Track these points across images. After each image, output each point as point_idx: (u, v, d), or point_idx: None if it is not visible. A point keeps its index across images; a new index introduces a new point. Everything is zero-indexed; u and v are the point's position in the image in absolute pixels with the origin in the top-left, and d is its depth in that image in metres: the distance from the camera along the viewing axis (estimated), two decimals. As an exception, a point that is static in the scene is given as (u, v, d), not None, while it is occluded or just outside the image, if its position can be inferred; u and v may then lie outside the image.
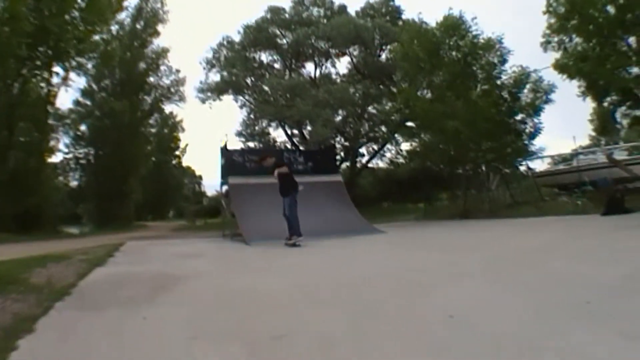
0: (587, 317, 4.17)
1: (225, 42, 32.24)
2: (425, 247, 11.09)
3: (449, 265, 7.79)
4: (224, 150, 18.96)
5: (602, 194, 18.05)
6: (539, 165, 27.38)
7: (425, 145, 26.01)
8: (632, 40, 21.52)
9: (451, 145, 22.81)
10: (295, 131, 31.91)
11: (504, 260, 8.11)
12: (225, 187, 19.06)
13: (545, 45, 23.31)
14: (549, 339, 3.67)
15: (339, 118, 29.39)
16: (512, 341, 3.70)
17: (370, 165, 35.10)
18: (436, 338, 3.92)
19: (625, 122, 26.74)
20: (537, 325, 4.03)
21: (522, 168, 26.22)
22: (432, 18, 45.73)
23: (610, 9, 20.88)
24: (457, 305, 4.88)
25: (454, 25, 22.86)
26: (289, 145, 31.97)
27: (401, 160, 34.44)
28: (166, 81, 45.83)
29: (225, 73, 31.33)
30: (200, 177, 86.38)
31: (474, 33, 22.99)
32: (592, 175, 21.04)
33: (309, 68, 33.13)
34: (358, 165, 33.82)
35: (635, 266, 6.33)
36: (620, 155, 23.07)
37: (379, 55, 31.17)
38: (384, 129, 29.69)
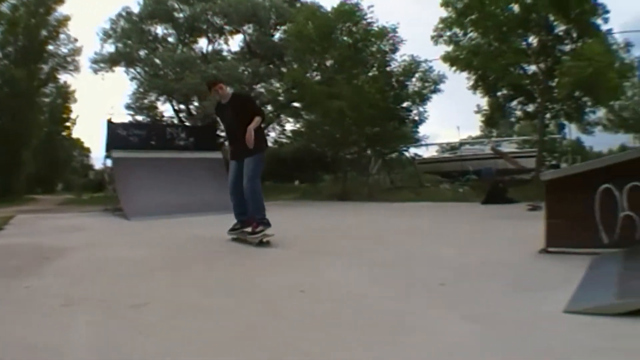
0: (437, 298, 4.42)
1: (124, 13, 31.22)
2: (295, 227, 11.02)
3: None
4: (109, 123, 18.34)
5: (485, 183, 18.41)
6: (428, 153, 27.92)
7: (310, 126, 26.32)
8: (532, 39, 22.06)
9: (336, 128, 22.99)
10: (183, 106, 31.38)
11: (370, 241, 8.56)
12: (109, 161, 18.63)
13: (437, 38, 23.60)
14: (402, 318, 3.88)
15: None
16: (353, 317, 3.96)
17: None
18: (286, 311, 4.16)
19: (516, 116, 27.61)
20: (390, 303, 4.31)
21: (408, 154, 26.68)
22: (330, 3, 45.76)
23: (514, 8, 21.32)
24: (310, 281, 5.21)
25: (348, 12, 23.08)
26: (175, 121, 31.37)
27: (285, 140, 34.32)
28: (64, 50, 44.10)
29: (120, 44, 30.44)
30: (88, 150, 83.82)
31: (369, 20, 23.29)
32: (476, 165, 21.45)
33: (202, 44, 32.62)
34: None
35: (493, 251, 6.81)
36: (508, 148, 23.63)
37: (272, 35, 30.95)
38: (270, 107, 29.42)
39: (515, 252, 6.44)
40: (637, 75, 25.24)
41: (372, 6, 23.36)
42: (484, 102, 24.47)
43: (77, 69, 43.68)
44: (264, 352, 3.18)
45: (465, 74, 22.85)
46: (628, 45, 23.67)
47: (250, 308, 4.24)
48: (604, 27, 21.49)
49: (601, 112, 29.21)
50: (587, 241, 5.96)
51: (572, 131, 28.92)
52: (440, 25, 22.88)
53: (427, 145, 28.84)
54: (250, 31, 30.88)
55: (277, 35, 30.58)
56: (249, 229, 8.02)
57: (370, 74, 23.43)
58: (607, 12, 21.27)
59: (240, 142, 7.98)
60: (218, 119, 9.56)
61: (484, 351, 3.15)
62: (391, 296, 4.59)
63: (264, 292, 4.83)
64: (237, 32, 31.36)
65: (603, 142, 37.99)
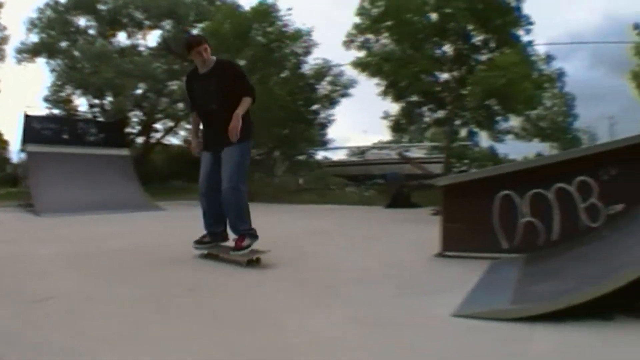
0: (324, 299, 4.43)
1: (51, 2, 30.10)
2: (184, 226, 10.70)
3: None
4: (25, 117, 17.97)
5: (390, 187, 18.54)
6: (337, 157, 28.12)
7: None
8: (448, 48, 22.41)
9: None
10: (97, 101, 30.57)
11: (269, 242, 8.00)
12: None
13: (349, 43, 23.75)
14: (278, 317, 3.91)
15: (139, 91, 28.71)
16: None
17: (164, 142, 34.10)
18: (175, 309, 4.25)
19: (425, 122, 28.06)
20: (271, 303, 4.36)
21: (317, 157, 26.81)
22: (249, 3, 45.66)
23: (433, 16, 21.58)
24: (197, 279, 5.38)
25: (265, 12, 23.14)
26: (89, 116, 30.57)
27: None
28: (-8, 39, 42.73)
29: (44, 35, 29.45)
30: (6, 143, 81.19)
31: (284, 22, 23.42)
32: (383, 169, 21.63)
33: (120, 38, 31.86)
34: (153, 141, 32.80)
35: (391, 254, 6.90)
36: (417, 154, 23.98)
37: (190, 33, 30.35)
38: (181, 105, 29.01)
39: (413, 255, 6.49)
40: (558, 87, 26.02)
41: (290, 9, 23.53)
42: (393, 108, 24.84)
43: (2, 58, 42.40)
44: (154, 345, 3.22)
45: (376, 80, 23.10)
46: (549, 57, 24.30)
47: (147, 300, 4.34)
48: (526, 39, 22.04)
49: (514, 121, 29.97)
50: (485, 246, 6.07)
51: (486, 139, 29.84)
52: (353, 31, 23.07)
53: (337, 148, 29.14)
54: (168, 27, 30.41)
55: (195, 32, 30.13)
56: (231, 244, 6.33)
57: (282, 75, 23.45)
58: (531, 23, 21.80)
59: (218, 128, 6.14)
60: (188, 93, 6.92)
61: (359, 351, 3.17)
62: (273, 296, 4.61)
63: (161, 285, 4.96)
64: (156, 27, 30.84)
65: (520, 150, 38.95)
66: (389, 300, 4.38)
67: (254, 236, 6.14)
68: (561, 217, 5.76)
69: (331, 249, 7.54)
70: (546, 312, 3.54)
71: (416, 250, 6.72)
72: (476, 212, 6.13)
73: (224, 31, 22.61)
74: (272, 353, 3.11)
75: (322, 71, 23.64)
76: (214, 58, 6.39)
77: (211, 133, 6.45)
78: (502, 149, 35.46)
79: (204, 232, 6.56)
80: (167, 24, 30.20)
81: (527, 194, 5.91)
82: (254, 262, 5.93)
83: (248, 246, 6.01)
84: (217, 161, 6.25)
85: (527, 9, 21.56)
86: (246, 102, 6.08)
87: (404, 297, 4.48)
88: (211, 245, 6.52)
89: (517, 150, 39.41)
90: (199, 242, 6.55)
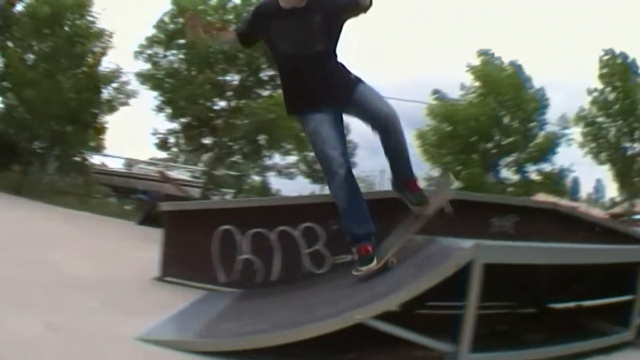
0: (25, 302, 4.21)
1: None
2: None
3: None
4: None
5: (147, 204, 18.29)
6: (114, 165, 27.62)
7: (7, 108, 24.36)
8: (234, 76, 22.63)
9: (29, 116, 22.00)
10: None
11: None
12: None
13: (138, 54, 23.55)
14: None
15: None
16: None
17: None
18: None
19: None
20: None
21: (90, 162, 26.09)
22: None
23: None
24: None
25: (82, 5, 22.72)
26: None
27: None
28: None
29: None
30: None
31: (90, 18, 23.03)
32: (146, 185, 21.36)
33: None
34: None
35: (115, 270, 6.63)
36: (182, 175, 23.96)
37: (14, 5, 28.26)
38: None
39: (134, 274, 6.31)
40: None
41: (105, 9, 23.21)
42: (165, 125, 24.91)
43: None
44: None
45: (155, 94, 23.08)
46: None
47: None
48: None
49: (287, 159, 30.79)
50: (203, 276, 5.96)
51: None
52: (145, 43, 22.84)
53: (110, 156, 28.62)
54: None
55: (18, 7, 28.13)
56: (414, 197, 4.67)
57: (78, 70, 22.69)
58: None
59: (328, 75, 4.59)
60: (261, 36, 4.89)
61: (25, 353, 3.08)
62: None
63: None
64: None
65: (297, 188, 40.29)
66: (86, 313, 4.23)
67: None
68: (282, 259, 5.73)
69: (58, 256, 7.06)
70: (232, 350, 3.45)
71: (141, 270, 6.48)
72: (197, 242, 6.01)
73: (42, 14, 21.71)
74: None
75: (112, 76, 23.22)
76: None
77: (320, 83, 4.61)
78: (278, 184, 36.26)
79: (358, 244, 4.54)
80: None
81: (249, 231, 5.85)
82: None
83: (423, 197, 4.64)
84: (339, 119, 4.71)
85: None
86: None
87: (102, 312, 4.35)
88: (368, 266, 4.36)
89: (291, 188, 40.63)
90: (363, 264, 4.39)
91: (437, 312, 4.68)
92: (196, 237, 6.03)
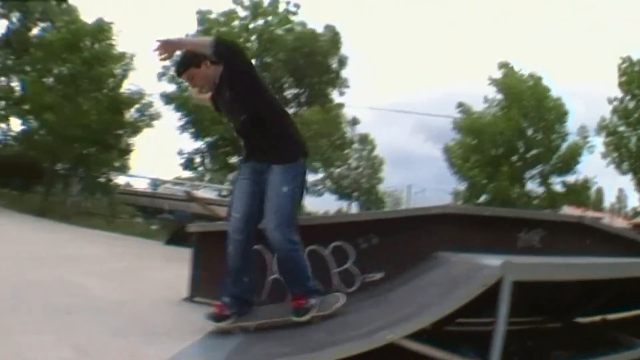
0: (49, 326, 4.32)
1: None
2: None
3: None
4: None
5: (175, 224, 18.34)
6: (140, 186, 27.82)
7: (29, 132, 25.07)
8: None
9: (50, 138, 22.20)
10: None
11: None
12: None
13: (161, 76, 23.88)
14: None
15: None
16: None
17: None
18: None
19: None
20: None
21: (114, 182, 26.33)
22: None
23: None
24: None
25: (100, 30, 23.23)
26: None
27: (6, 141, 31.64)
28: None
29: None
30: None
31: (110, 42, 23.38)
32: (173, 205, 21.41)
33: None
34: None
35: (144, 291, 6.72)
36: (209, 194, 24.00)
37: (30, 29, 28.72)
38: (2, 103, 27.26)
39: (161, 294, 6.36)
40: (366, 149, 27.68)
41: (121, 31, 23.56)
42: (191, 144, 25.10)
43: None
44: None
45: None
46: (355, 121, 25.43)
47: None
48: (339, 100, 22.85)
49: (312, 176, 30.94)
50: None
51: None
52: (168, 64, 23.14)
53: (136, 177, 28.79)
54: (14, 20, 28.56)
55: (36, 32, 28.53)
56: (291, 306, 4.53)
57: (98, 94, 22.87)
58: (347, 86, 22.71)
59: (259, 137, 4.66)
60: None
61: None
62: None
63: None
64: (4, 17, 28.86)
65: (323, 204, 40.42)
66: (112, 335, 4.28)
67: (319, 293, 4.58)
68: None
69: (81, 276, 7.19)
70: None
71: (168, 290, 6.52)
72: (226, 262, 5.99)
73: (60, 42, 22.24)
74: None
75: (134, 99, 23.49)
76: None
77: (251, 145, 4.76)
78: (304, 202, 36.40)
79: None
80: (14, 16, 28.47)
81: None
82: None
83: (311, 308, 4.39)
84: (259, 182, 4.65)
85: (356, 73, 22.92)
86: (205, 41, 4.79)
87: (128, 335, 4.36)
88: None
89: (318, 204, 40.70)
90: (218, 318, 4.60)
91: (465, 329, 4.71)
92: (225, 257, 6.06)
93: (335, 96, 24.44)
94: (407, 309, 4.02)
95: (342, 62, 23.68)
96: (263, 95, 4.66)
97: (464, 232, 5.42)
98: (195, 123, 24.04)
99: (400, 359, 3.59)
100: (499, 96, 26.74)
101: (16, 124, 28.36)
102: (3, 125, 29.95)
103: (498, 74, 26.81)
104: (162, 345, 4.06)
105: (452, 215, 5.80)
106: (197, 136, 24.94)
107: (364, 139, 37.45)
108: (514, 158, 25.93)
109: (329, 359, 3.44)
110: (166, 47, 4.47)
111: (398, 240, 5.65)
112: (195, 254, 6.35)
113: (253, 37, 23.41)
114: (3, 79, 27.17)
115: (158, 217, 21.46)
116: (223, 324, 4.53)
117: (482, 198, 25.88)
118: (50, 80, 23.42)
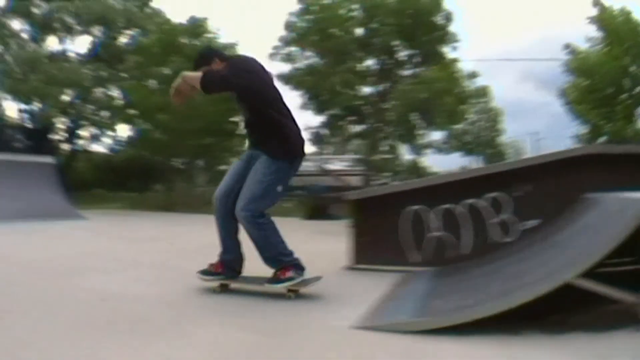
0: (211, 308, 4.58)
1: None
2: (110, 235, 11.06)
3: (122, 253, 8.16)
4: None
5: (310, 199, 18.69)
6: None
7: (142, 134, 25.73)
8: (372, 62, 22.82)
9: (166, 137, 22.81)
10: (26, 107, 29.63)
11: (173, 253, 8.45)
12: None
13: (274, 55, 24.05)
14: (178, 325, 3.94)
15: (66, 98, 27.72)
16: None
17: (89, 149, 33.26)
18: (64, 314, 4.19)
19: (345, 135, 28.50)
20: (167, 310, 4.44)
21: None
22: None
23: (359, 30, 21.92)
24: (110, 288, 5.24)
25: (195, 28, 23.71)
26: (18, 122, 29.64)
27: (119, 147, 32.92)
28: None
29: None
30: None
31: (213, 36, 23.89)
32: (303, 181, 21.78)
33: (52, 42, 30.93)
34: (78, 148, 32.02)
35: None
36: (338, 166, 24.25)
37: (116, 39, 29.89)
38: (107, 113, 28.49)
39: (322, 266, 6.00)
40: (484, 102, 27.09)
41: (219, 29, 24.53)
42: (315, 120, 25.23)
43: None
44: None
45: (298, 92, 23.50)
46: (473, 74, 25.06)
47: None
48: (452, 55, 22.62)
49: (437, 135, 30.70)
50: (395, 259, 6.20)
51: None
52: (279, 44, 23.33)
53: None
54: (98, 33, 29.76)
55: (123, 40, 29.78)
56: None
57: None
58: (457, 41, 22.42)
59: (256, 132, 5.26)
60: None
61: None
62: (169, 300, 4.77)
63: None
64: (86, 33, 30.13)
65: (444, 163, 39.83)
66: (290, 310, 4.45)
67: (300, 270, 4.94)
68: (472, 231, 5.98)
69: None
70: (450, 326, 3.54)
71: (327, 261, 6.60)
72: (385, 226, 6.26)
73: (152, 45, 22.96)
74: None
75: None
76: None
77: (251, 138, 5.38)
78: (426, 161, 36.08)
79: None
80: (98, 29, 29.59)
81: (436, 208, 6.12)
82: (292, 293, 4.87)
83: (290, 279, 4.81)
84: (247, 166, 5.15)
85: (458, 26, 22.54)
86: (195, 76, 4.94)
87: (306, 307, 4.54)
88: (224, 276, 5.19)
89: (441, 163, 40.29)
90: (205, 273, 5.21)
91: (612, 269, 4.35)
92: (384, 221, 6.30)
93: (448, 52, 24.10)
94: (570, 251, 4.16)
95: (449, 18, 23.32)
96: (262, 102, 5.02)
97: (611, 171, 5.48)
98: (315, 98, 24.20)
99: (569, 302, 3.76)
100: (599, 34, 25.53)
101: (123, 130, 29.99)
102: (111, 133, 31.41)
103: (594, 12, 25.60)
104: (342, 313, 4.22)
105: (599, 155, 5.90)
106: (320, 110, 25.08)
107: (482, 92, 36.50)
108: (623, 96, 24.76)
109: (514, 304, 3.53)
110: (179, 94, 5.02)
111: (550, 185, 5.80)
112: (354, 222, 6.54)
113: (356, 6, 23.29)
114: (101, 89, 28.26)
115: (291, 194, 21.88)
116: (207, 277, 5.18)
117: (601, 140, 24.96)
118: (152, 82, 23.91)
